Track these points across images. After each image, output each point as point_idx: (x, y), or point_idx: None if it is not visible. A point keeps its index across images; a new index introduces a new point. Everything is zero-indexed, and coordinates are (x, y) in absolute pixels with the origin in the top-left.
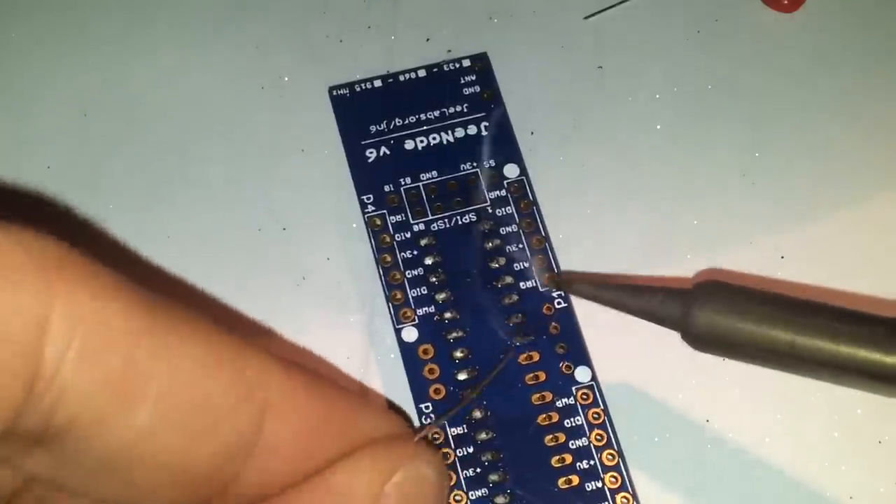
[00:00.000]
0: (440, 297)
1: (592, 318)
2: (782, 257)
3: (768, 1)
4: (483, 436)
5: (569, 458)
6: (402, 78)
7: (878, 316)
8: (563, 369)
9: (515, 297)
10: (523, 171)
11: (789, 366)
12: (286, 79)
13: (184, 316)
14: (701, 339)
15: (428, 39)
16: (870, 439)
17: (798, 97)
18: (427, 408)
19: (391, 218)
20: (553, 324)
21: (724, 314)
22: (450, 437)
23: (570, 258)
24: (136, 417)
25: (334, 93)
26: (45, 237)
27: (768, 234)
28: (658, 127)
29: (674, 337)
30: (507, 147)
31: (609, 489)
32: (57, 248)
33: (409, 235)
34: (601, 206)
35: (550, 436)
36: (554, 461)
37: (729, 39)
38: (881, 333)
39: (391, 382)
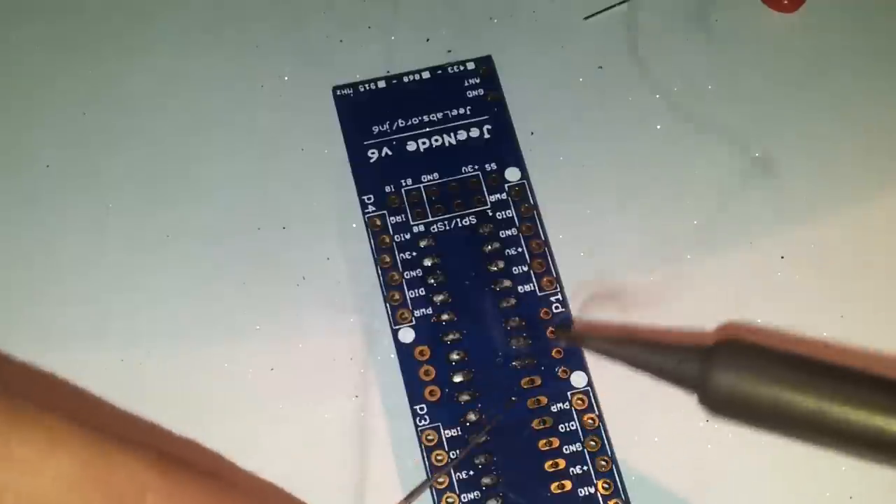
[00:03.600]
0: (438, 298)
1: (589, 323)
2: (782, 257)
3: (768, 1)
4: (478, 440)
5: (562, 463)
6: (406, 79)
7: None
8: (559, 374)
9: (513, 301)
10: (524, 175)
11: (815, 437)
12: (286, 78)
13: (47, 423)
14: (719, 404)
15: (428, 40)
16: None
17: (798, 97)
18: (422, 409)
19: (391, 219)
20: (550, 328)
21: (747, 378)
22: (444, 439)
23: (570, 259)
24: None
25: (338, 93)
26: None
27: (768, 234)
28: (658, 127)
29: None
30: (508, 150)
31: (602, 495)
32: None
33: (408, 237)
34: (601, 206)
35: (544, 440)
36: (547, 466)
37: (729, 39)
38: None
39: (387, 383)
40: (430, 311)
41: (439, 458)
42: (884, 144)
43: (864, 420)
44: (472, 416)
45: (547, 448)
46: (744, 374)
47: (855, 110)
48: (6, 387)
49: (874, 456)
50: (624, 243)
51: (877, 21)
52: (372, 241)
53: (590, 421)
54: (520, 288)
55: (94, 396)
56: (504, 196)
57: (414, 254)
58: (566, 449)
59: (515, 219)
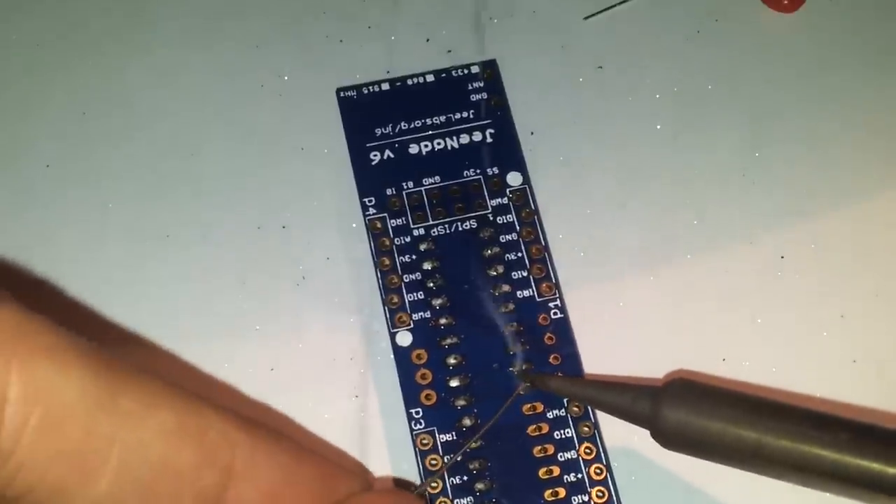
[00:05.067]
0: (436, 302)
1: (588, 329)
2: (782, 257)
3: (768, 1)
4: (472, 444)
5: (556, 471)
6: (409, 82)
7: (844, 420)
8: None
9: (512, 306)
10: (526, 180)
11: (756, 467)
12: (286, 78)
13: (146, 381)
14: (669, 438)
15: (428, 40)
16: None
17: (798, 97)
18: (417, 413)
19: (392, 221)
20: (548, 334)
21: (693, 414)
22: (438, 443)
23: (570, 260)
24: (96, 487)
25: (341, 94)
26: (2, 304)
27: (768, 234)
28: (658, 127)
29: (668, 356)
30: (510, 155)
31: (595, 503)
32: (14, 317)
33: (408, 239)
34: (601, 206)
35: (539, 447)
36: (541, 472)
37: (729, 39)
38: (844, 439)
39: (383, 386)
40: (428, 314)
41: (433, 462)
42: (884, 144)
43: (798, 452)
44: (467, 421)
45: (542, 455)
46: (690, 412)
47: (855, 110)
48: (105, 347)
49: (809, 484)
50: (624, 243)
51: (876, 21)
52: (372, 243)
53: (585, 429)
54: (518, 293)
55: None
56: (505, 201)
57: (413, 257)
58: (561, 456)
59: (516, 223)
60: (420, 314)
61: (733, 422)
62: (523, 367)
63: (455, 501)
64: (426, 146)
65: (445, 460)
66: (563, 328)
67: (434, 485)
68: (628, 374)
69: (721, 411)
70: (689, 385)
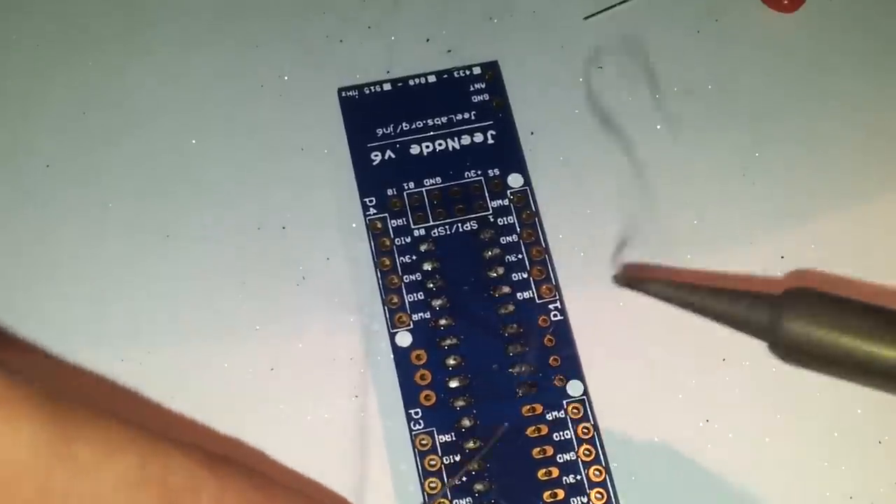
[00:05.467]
0: (436, 303)
1: (588, 330)
2: (782, 257)
3: (768, 1)
4: (471, 444)
5: (555, 472)
6: (411, 83)
7: None
8: (556, 382)
9: (511, 308)
10: (527, 181)
11: (889, 385)
12: (286, 78)
13: (106, 426)
14: (791, 351)
15: (428, 40)
16: (870, 439)
17: (798, 97)
18: (416, 413)
19: (392, 222)
20: (548, 336)
21: (816, 325)
22: (437, 444)
23: (570, 260)
24: None
25: (343, 94)
26: None
27: (768, 234)
28: (658, 127)
29: (668, 355)
30: (512, 156)
31: None
32: None
33: (409, 240)
34: (600, 206)
35: (538, 448)
36: (540, 474)
37: (729, 39)
38: None
39: (383, 386)
40: (428, 315)
41: (432, 462)
42: (884, 144)
43: None
44: (466, 422)
45: (541, 456)
46: (816, 323)
47: (855, 110)
48: (61, 392)
49: None
50: (624, 243)
51: (877, 21)
52: (372, 243)
53: (584, 430)
54: (518, 295)
55: (130, 396)
56: (506, 202)
57: (414, 257)
58: (560, 458)
59: (517, 225)
60: (420, 315)
61: (865, 335)
62: (622, 271)
63: (454, 502)
64: (427, 147)
65: (445, 480)
66: (562, 330)
67: (433, 485)
68: (628, 374)
69: (852, 323)
70: (815, 294)
